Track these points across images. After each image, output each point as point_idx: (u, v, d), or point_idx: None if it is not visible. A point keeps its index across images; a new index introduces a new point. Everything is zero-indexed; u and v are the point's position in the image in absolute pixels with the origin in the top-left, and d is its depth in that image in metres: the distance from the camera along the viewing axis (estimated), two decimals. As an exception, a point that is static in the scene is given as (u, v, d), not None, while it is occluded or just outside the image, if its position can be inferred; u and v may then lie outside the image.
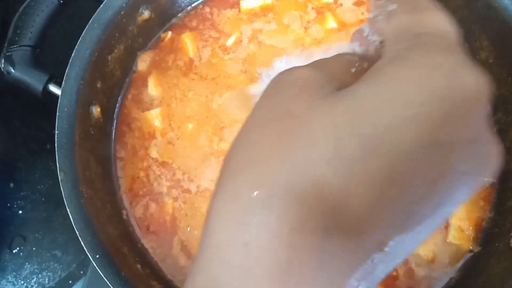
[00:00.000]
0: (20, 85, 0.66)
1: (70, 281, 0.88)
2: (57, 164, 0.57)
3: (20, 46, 0.66)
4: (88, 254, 0.52)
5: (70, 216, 0.55)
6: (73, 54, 0.64)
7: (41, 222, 0.90)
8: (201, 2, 0.81)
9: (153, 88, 0.76)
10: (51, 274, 0.88)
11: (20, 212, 0.90)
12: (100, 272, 0.52)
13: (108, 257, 0.54)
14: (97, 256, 0.53)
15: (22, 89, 0.90)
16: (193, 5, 0.81)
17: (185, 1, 0.81)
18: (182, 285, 0.63)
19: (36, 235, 0.90)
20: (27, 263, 0.88)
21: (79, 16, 0.70)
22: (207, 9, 0.81)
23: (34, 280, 0.88)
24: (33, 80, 0.66)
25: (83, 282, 0.83)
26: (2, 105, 0.93)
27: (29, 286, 0.87)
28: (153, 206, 0.70)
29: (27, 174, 0.92)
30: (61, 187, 0.56)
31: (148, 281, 0.60)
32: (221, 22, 0.80)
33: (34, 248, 0.89)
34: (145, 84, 0.77)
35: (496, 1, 0.65)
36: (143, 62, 0.78)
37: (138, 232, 0.67)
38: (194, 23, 0.81)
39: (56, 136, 0.59)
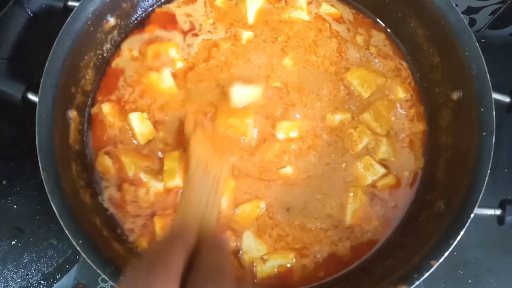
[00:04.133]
0: (1, 95, 0.72)
1: (67, 266, 0.95)
2: (40, 165, 0.64)
3: (-3, 59, 0.71)
4: (72, 240, 0.60)
5: (55, 210, 0.62)
6: (46, 64, 0.70)
7: (35, 214, 0.96)
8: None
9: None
10: (49, 261, 0.95)
11: (15, 206, 0.96)
12: (83, 256, 0.60)
13: (91, 242, 0.62)
14: (80, 241, 0.61)
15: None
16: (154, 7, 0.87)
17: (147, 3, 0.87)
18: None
19: (32, 226, 0.95)
20: (25, 253, 0.94)
21: (50, 28, 0.73)
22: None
23: (34, 267, 0.94)
24: (12, 90, 0.71)
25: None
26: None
27: (29, 273, 0.94)
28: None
29: (18, 171, 0.97)
30: (44, 185, 0.64)
31: (128, 259, 0.68)
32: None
33: (31, 239, 0.95)
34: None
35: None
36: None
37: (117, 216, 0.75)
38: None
39: (36, 140, 0.65)
